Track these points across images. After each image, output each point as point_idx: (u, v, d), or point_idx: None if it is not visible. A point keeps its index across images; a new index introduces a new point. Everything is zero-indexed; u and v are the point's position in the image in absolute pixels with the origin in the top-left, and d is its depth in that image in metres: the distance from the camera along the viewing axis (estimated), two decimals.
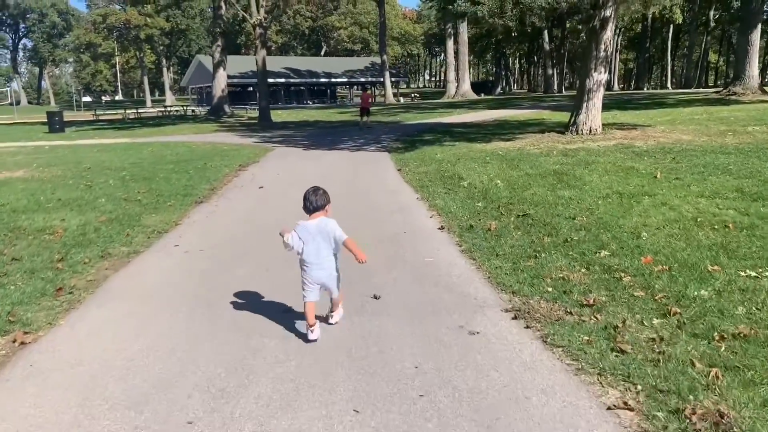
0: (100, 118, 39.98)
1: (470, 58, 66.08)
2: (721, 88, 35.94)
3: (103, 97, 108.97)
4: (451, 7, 14.15)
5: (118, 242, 6.76)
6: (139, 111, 43.52)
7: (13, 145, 21.16)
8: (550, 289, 4.60)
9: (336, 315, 4.21)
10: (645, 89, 60.02)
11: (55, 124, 27.43)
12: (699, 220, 6.47)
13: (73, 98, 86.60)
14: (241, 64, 52.03)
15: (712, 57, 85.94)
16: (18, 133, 28.37)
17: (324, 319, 4.20)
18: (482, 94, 57.99)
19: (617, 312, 4.11)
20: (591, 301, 4.29)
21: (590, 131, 15.45)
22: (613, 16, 14.89)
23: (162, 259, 6.14)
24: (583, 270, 5.01)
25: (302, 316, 4.01)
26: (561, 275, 4.89)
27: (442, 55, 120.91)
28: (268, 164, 13.99)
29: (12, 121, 41.13)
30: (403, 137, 18.89)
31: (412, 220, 7.53)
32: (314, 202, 3.90)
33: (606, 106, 16.36)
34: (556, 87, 64.92)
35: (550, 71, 65.78)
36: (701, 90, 46.46)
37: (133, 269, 5.80)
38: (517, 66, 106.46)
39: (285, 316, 4.36)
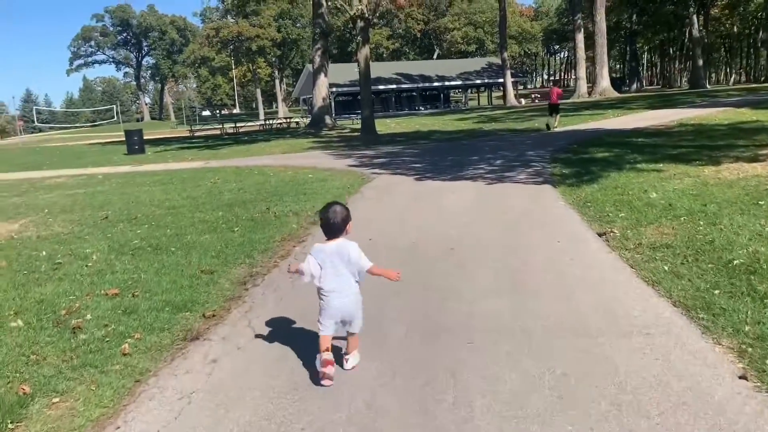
0: (196, 134, 37.03)
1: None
2: None
3: (219, 111, 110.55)
4: None
5: None
6: (238, 125, 40.22)
7: (66, 174, 17.54)
8: None
9: (352, 358, 3.49)
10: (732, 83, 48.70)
11: (133, 145, 23.83)
12: None
13: (184, 113, 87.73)
14: (352, 72, 48.04)
15: None
16: (94, 156, 25.32)
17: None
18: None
19: None
20: None
21: None
22: None
23: None
24: None
25: None
26: None
27: (563, 52, 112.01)
28: (360, 211, 8.50)
29: (108, 140, 39.46)
30: (561, 154, 13.05)
31: None
32: (335, 225, 3.36)
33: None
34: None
35: (700, 62, 56.16)
36: None
37: None
38: (646, 61, 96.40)
39: None
